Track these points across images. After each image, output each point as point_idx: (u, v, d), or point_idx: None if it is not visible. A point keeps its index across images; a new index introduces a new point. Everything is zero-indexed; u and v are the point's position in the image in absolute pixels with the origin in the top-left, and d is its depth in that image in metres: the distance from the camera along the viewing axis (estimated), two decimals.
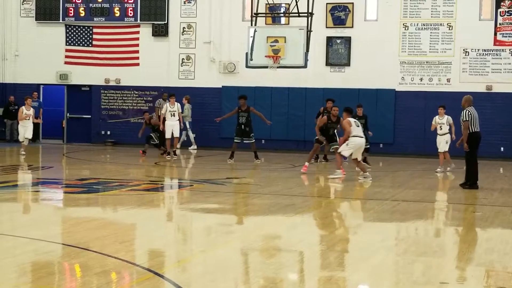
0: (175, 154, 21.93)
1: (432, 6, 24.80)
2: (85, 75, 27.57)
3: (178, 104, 22.36)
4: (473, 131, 15.42)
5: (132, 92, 27.22)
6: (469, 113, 15.43)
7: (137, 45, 27.18)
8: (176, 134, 22.01)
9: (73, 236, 9.68)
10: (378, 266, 8.27)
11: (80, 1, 27.43)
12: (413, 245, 9.61)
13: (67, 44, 27.69)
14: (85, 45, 27.59)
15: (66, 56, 27.76)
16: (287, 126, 25.44)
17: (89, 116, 27.78)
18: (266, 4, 21.85)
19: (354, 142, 16.76)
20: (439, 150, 19.42)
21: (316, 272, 8.06)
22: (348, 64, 25.50)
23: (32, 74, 28.01)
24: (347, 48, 25.44)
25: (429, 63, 24.86)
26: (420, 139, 24.83)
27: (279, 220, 11.56)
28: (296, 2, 20.19)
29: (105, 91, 27.59)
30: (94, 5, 27.33)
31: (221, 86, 26.38)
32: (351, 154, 16.98)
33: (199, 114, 26.04)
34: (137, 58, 27.20)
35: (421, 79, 24.96)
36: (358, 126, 17.01)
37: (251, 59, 19.83)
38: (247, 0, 24.79)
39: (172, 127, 21.75)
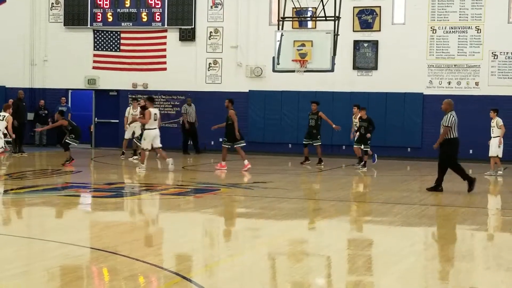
0: (135, 155, 22.73)
1: (460, 9, 24.62)
2: (113, 80, 27.74)
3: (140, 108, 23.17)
4: (453, 136, 15.30)
5: (160, 97, 27.32)
6: (453, 118, 15.30)
7: (164, 49, 27.30)
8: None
9: (101, 240, 9.74)
10: (407, 271, 8.22)
11: (107, 7, 27.62)
12: (442, 250, 9.54)
13: (95, 49, 27.87)
14: (113, 50, 27.76)
15: (94, 61, 27.96)
16: None
17: (117, 121, 27.90)
18: (292, 8, 21.84)
19: (149, 134, 18.72)
20: (489, 154, 19.76)
21: (344, 277, 8.03)
22: (375, 68, 25.39)
23: (60, 79, 28.24)
24: (374, 52, 25.34)
25: (457, 66, 24.67)
26: None
27: (306, 225, 11.54)
28: (323, 6, 20.15)
29: (133, 96, 27.72)
30: (121, 10, 27.51)
31: (248, 91, 26.40)
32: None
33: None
34: (165, 62, 27.32)
35: (449, 83, 24.78)
36: (155, 120, 18.76)
37: (278, 63, 19.83)
38: (274, 4, 24.79)
39: (133, 129, 22.97)
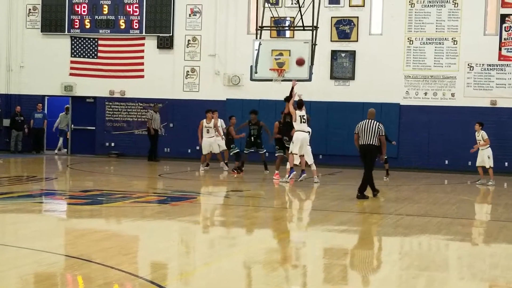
0: (227, 165, 22.48)
1: (437, 20, 24.82)
2: (90, 87, 27.63)
3: (219, 120, 22.93)
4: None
5: (137, 104, 27.26)
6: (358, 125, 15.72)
7: (142, 57, 27.25)
8: (216, 150, 22.53)
9: (76, 247, 9.67)
10: (382, 280, 8.24)
11: (85, 13, 27.53)
12: (417, 260, 9.58)
13: (72, 55, 27.76)
14: (90, 57, 27.66)
15: (71, 68, 27.83)
16: None
17: (94, 128, 27.80)
18: (271, 17, 21.90)
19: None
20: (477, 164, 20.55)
21: (319, 286, 8.03)
22: (352, 78, 25.51)
23: (37, 86, 28.07)
24: (352, 62, 25.46)
25: (434, 77, 24.86)
26: (424, 153, 24.83)
27: (282, 233, 11.54)
28: (301, 16, 20.22)
29: (110, 103, 27.63)
30: (99, 17, 27.42)
31: (225, 99, 26.41)
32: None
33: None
34: (142, 70, 27.27)
35: (425, 94, 24.95)
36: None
37: (256, 72, 19.85)
38: (252, 13, 24.86)
39: (210, 143, 22.36)
